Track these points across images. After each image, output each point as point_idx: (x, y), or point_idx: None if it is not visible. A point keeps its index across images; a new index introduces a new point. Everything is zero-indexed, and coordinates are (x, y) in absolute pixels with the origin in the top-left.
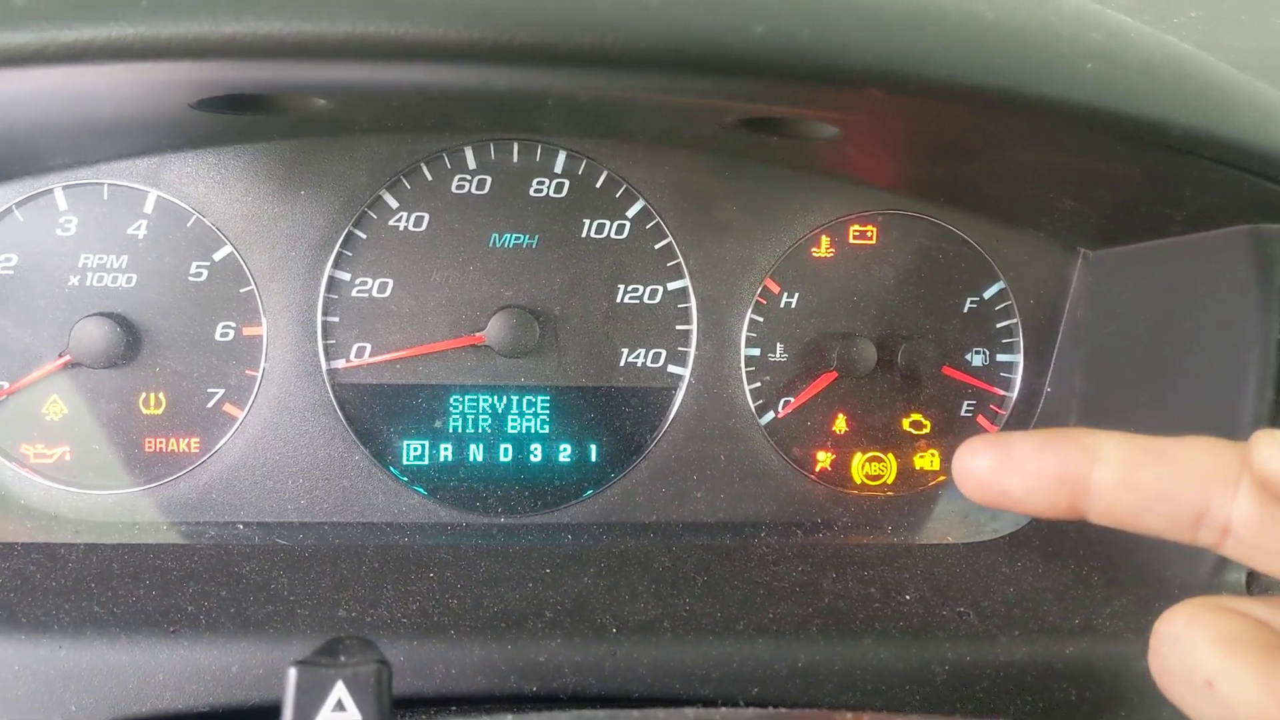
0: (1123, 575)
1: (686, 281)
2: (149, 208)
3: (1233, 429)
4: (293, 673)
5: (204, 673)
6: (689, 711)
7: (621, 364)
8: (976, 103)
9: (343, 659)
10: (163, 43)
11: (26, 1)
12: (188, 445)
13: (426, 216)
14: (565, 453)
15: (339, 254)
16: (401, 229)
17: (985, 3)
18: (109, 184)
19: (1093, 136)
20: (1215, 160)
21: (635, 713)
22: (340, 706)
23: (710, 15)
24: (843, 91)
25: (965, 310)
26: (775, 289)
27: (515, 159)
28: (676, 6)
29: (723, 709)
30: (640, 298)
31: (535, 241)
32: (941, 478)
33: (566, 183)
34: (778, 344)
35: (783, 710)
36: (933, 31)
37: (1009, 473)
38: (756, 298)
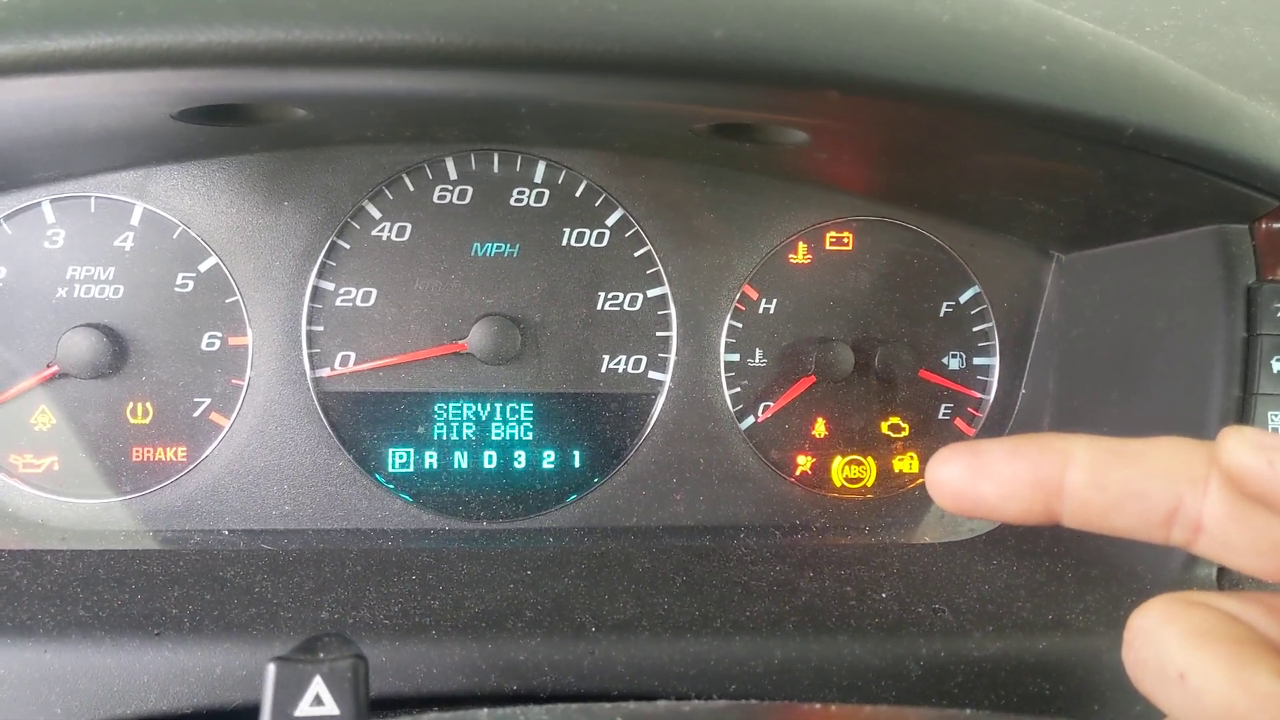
0: (1095, 572)
1: (666, 288)
2: (135, 220)
3: (1201, 426)
4: (271, 668)
5: (188, 674)
6: (660, 704)
7: (602, 370)
8: (931, 104)
9: (320, 655)
10: (138, 52)
11: (5, 12)
12: (174, 454)
13: (409, 226)
14: (548, 459)
15: (323, 264)
16: (384, 239)
17: (940, 6)
18: (96, 197)
19: (1050, 137)
20: (1171, 159)
21: (608, 705)
22: (319, 701)
23: (667, 19)
24: (801, 93)
25: (941, 314)
26: (753, 295)
27: (495, 169)
28: (634, 12)
29: (693, 701)
30: (620, 305)
31: (516, 250)
32: (920, 480)
33: (546, 192)
34: (756, 349)
35: (753, 702)
36: (887, 33)
37: (982, 480)
38: (735, 304)
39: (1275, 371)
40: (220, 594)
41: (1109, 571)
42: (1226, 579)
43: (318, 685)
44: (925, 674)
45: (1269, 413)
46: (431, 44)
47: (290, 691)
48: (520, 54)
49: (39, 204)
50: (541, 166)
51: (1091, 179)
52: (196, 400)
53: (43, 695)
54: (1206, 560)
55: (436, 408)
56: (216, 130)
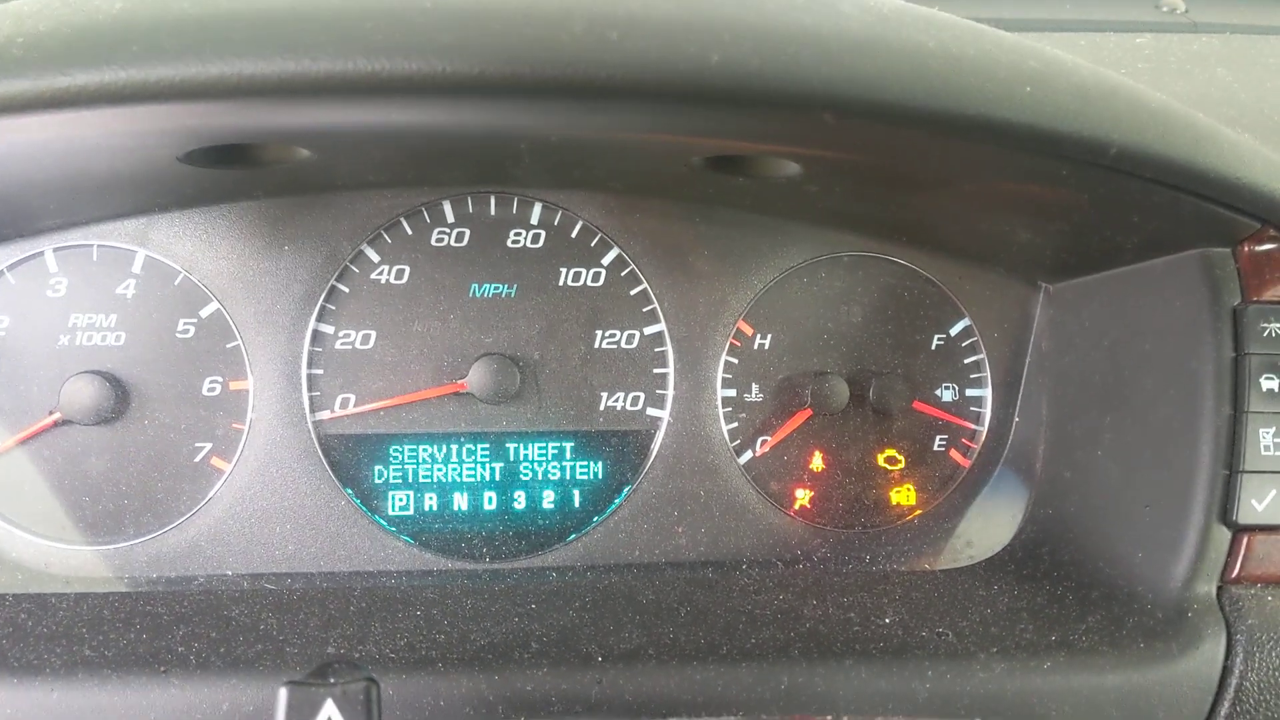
0: (1095, 593)
1: (662, 326)
2: (137, 267)
3: (1194, 445)
4: (284, 692)
5: (195, 711)
6: None
7: (601, 407)
8: (921, 125)
9: (332, 679)
10: (153, 85)
11: (23, 51)
12: (177, 498)
13: (407, 269)
14: (549, 497)
15: (322, 307)
16: (383, 282)
17: (926, 33)
18: (98, 245)
19: (1036, 159)
20: (1154, 180)
21: None
22: None
23: (667, 46)
24: (796, 117)
25: (933, 347)
26: (748, 331)
27: (493, 211)
28: (635, 38)
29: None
30: (618, 342)
31: (514, 290)
32: (918, 511)
33: (543, 233)
34: (753, 384)
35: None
36: (878, 58)
37: None
38: (730, 340)
39: (1264, 390)
40: (226, 632)
41: (1109, 592)
42: (1226, 595)
43: (330, 709)
44: (931, 696)
45: (1260, 430)
46: (439, 73)
47: (302, 715)
48: (525, 81)
49: (42, 253)
50: (538, 208)
51: (1077, 204)
52: (198, 445)
53: None
54: (1206, 577)
55: (437, 448)
56: (219, 175)
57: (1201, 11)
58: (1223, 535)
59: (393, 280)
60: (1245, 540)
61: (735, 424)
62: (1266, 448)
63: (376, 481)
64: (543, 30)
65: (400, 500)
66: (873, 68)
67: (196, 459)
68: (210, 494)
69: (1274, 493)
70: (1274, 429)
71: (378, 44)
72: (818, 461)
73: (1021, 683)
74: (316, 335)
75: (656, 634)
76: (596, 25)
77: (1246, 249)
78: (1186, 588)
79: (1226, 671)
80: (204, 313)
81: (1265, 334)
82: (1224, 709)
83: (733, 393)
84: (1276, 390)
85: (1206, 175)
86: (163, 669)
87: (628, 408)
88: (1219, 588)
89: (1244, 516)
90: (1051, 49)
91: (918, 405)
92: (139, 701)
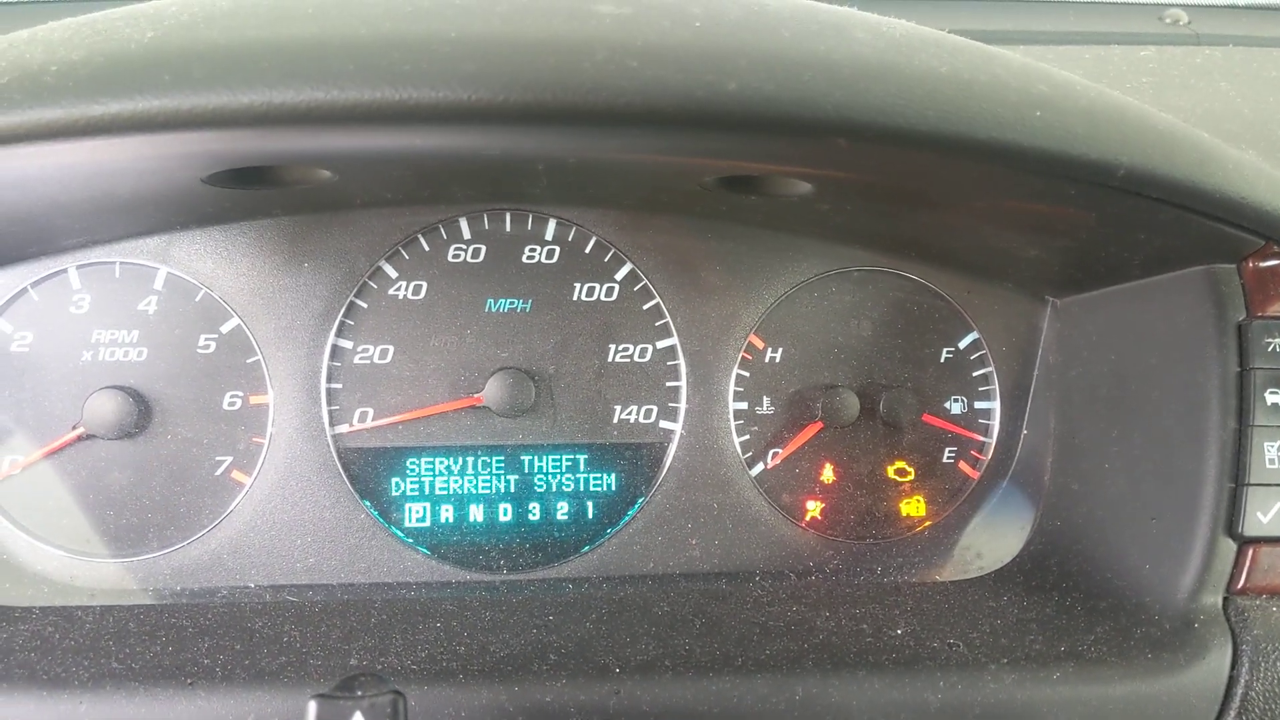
0: (1103, 604)
1: (675, 340)
2: (159, 284)
3: (1200, 459)
4: (313, 705)
5: None
6: None
7: (615, 420)
8: (933, 149)
9: (359, 692)
10: (184, 114)
11: (56, 79)
12: (198, 511)
13: (424, 285)
14: (563, 509)
15: (341, 323)
16: (401, 297)
17: (938, 59)
18: (121, 262)
19: (1045, 180)
20: (1160, 200)
21: None
22: None
23: (685, 75)
24: (810, 142)
25: (942, 360)
26: (760, 344)
27: (508, 228)
28: (655, 66)
29: None
30: (631, 356)
31: (529, 305)
32: (928, 522)
33: (557, 249)
34: (764, 397)
35: None
36: (891, 84)
37: None
38: (742, 353)
39: (1269, 404)
40: (250, 644)
41: (1117, 603)
42: (1231, 606)
43: None
44: (943, 706)
45: (1264, 444)
46: (464, 101)
47: None
48: (547, 109)
49: (65, 271)
50: (552, 224)
51: (1084, 222)
52: (219, 458)
53: None
54: (1212, 588)
55: (453, 461)
56: (240, 194)
57: (1204, 24)
58: (1228, 547)
59: (410, 296)
60: (1250, 552)
61: (747, 436)
62: (1271, 461)
63: (394, 494)
64: (565, 59)
65: (417, 512)
66: (885, 93)
67: (218, 472)
68: (231, 507)
69: (1278, 505)
70: (1278, 443)
71: (404, 73)
72: (829, 474)
73: (1031, 693)
74: (335, 350)
75: (672, 645)
76: (617, 54)
77: (1251, 265)
78: (1193, 599)
79: (1232, 682)
80: (225, 328)
81: (1269, 349)
82: (1230, 719)
83: (744, 406)
84: None
85: (1211, 195)
86: (189, 681)
87: (641, 421)
88: (1224, 599)
89: (1249, 529)
90: (1060, 72)
91: (927, 418)
92: (166, 713)
